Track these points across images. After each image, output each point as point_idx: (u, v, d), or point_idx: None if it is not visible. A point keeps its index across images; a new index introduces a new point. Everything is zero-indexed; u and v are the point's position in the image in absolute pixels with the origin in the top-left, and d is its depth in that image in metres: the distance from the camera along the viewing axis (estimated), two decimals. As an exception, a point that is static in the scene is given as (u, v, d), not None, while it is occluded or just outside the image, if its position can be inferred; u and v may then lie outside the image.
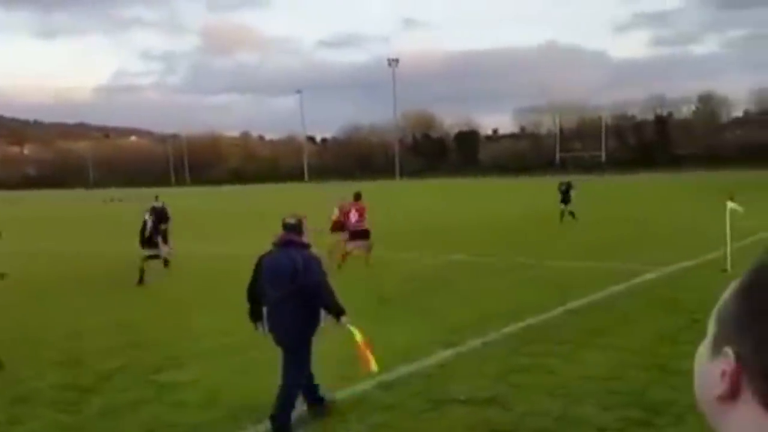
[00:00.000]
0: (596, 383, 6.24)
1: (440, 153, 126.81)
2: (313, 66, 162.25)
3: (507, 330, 8.30)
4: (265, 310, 5.57)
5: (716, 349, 0.65)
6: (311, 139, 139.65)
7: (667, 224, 21.60)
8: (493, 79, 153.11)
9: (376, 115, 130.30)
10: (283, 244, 5.56)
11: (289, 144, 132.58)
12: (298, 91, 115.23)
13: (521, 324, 8.63)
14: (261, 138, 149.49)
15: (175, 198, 31.32)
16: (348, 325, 5.43)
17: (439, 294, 11.18)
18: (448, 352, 7.46)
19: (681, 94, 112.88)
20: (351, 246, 14.43)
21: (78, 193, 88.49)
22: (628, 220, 23.20)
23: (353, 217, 14.44)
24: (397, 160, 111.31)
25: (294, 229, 5.63)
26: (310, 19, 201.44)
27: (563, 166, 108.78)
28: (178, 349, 8.19)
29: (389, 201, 46.07)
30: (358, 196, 14.89)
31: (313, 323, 5.49)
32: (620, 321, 8.72)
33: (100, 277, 14.46)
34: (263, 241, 6.36)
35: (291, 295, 5.32)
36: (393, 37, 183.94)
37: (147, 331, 9.30)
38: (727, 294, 0.67)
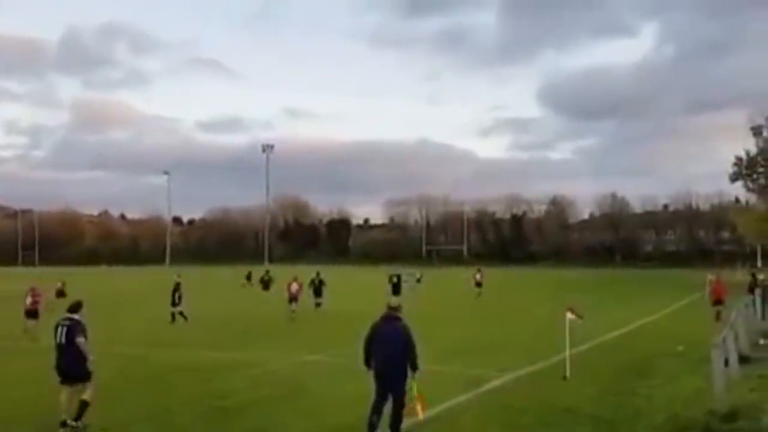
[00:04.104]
0: None
1: (311, 240, 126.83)
2: (189, 147, 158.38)
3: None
4: (375, 360, 8.37)
5: None
6: (177, 219, 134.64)
7: (515, 324, 22.50)
8: (367, 170, 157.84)
9: (250, 200, 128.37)
10: (389, 319, 8.61)
11: (153, 224, 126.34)
12: (166, 172, 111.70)
13: (363, 443, 8.30)
14: (122, 217, 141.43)
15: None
16: (414, 381, 8.37)
17: (285, 404, 10.59)
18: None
19: (535, 195, 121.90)
20: None
21: None
22: (480, 318, 23.94)
23: None
24: (266, 245, 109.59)
25: (396, 309, 8.75)
26: (192, 100, 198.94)
27: (429, 258, 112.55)
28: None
29: (253, 290, 44.67)
30: None
31: (406, 372, 8.31)
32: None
33: None
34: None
35: (402, 355, 8.24)
36: (274, 123, 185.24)
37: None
38: None
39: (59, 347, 8.94)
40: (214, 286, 50.09)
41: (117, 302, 32.17)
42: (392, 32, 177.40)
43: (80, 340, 8.88)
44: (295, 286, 25.55)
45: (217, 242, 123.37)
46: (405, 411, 8.37)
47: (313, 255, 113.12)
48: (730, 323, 12.94)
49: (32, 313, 19.79)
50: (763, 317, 19.35)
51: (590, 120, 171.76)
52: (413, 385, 8.36)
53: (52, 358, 9.19)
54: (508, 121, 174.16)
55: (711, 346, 9.35)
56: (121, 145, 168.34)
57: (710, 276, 25.20)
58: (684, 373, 12.57)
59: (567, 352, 12.43)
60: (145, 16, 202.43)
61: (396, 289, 27.97)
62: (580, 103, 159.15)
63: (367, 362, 8.54)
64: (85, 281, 56.55)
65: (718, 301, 22.79)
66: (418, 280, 42.20)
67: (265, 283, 31.68)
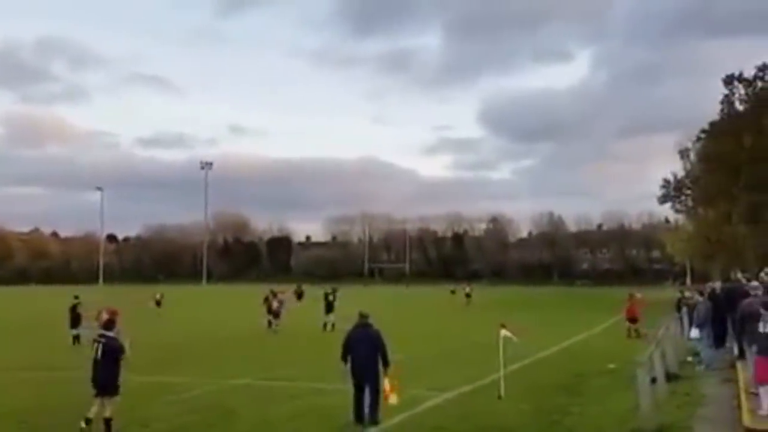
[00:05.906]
0: None
1: (252, 258, 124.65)
2: (128, 163, 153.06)
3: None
4: (352, 360, 10.09)
5: None
6: (112, 237, 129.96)
7: (453, 341, 22.50)
8: (309, 187, 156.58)
9: (188, 217, 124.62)
10: (362, 326, 10.34)
11: (85, 242, 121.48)
12: (99, 188, 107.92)
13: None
14: (54, 235, 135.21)
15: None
16: (385, 377, 9.91)
17: (214, 430, 10.17)
18: None
19: (476, 213, 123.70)
20: None
21: None
22: (418, 336, 23.88)
23: None
24: (204, 263, 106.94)
25: (367, 317, 10.45)
26: (132, 116, 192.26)
27: (371, 276, 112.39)
28: None
29: (187, 310, 43.45)
30: None
31: (378, 368, 9.95)
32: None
33: None
34: None
35: (373, 354, 9.91)
36: (217, 140, 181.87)
37: None
38: None
39: (95, 362, 9.66)
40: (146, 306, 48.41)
41: (39, 323, 30.58)
42: (336, 52, 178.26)
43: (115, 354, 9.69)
44: (275, 303, 26.90)
45: (153, 261, 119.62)
46: (382, 400, 9.82)
47: (254, 274, 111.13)
48: (657, 341, 13.23)
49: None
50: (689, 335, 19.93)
51: (529, 142, 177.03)
52: (385, 380, 9.82)
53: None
54: (451, 141, 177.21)
55: (636, 364, 9.49)
56: (57, 160, 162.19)
57: (630, 294, 25.94)
58: (615, 390, 12.74)
59: (501, 372, 12.43)
60: (84, 30, 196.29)
61: (330, 306, 27.10)
62: (519, 125, 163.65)
63: (344, 359, 10.23)
64: (10, 301, 53.75)
65: (632, 319, 23.53)
66: (468, 295, 47.99)
67: (299, 295, 34.83)
